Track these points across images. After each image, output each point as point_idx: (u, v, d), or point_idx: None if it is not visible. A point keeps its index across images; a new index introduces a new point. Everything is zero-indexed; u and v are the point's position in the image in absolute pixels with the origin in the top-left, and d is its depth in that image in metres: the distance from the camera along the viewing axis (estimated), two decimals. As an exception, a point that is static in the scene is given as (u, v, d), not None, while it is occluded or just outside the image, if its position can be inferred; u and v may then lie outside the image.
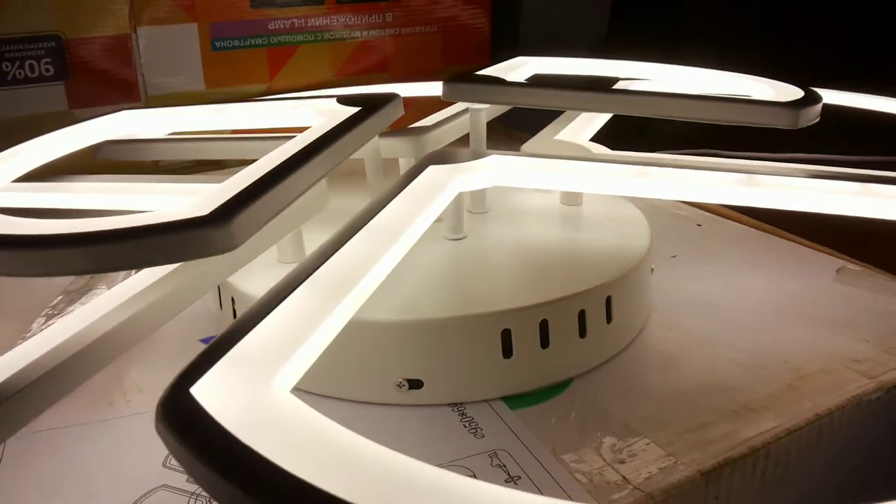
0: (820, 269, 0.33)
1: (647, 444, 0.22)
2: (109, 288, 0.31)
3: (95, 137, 0.31)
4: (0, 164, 0.27)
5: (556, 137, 0.33)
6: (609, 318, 0.26)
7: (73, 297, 0.32)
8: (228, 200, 0.19)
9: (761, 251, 0.35)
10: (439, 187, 0.25)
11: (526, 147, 0.33)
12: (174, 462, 0.22)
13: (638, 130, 0.46)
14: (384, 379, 0.24)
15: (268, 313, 0.17)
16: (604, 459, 0.21)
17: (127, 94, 0.48)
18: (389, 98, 0.28)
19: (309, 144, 0.23)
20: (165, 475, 0.22)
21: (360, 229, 0.22)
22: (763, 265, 0.34)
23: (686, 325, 0.29)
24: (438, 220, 0.26)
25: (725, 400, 0.24)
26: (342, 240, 0.21)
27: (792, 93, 0.30)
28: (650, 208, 0.33)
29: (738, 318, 0.29)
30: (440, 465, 0.21)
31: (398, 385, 0.24)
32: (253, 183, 0.20)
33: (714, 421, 0.23)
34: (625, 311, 0.27)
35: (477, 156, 0.28)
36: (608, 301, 0.26)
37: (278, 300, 0.18)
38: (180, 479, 0.21)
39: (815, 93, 0.29)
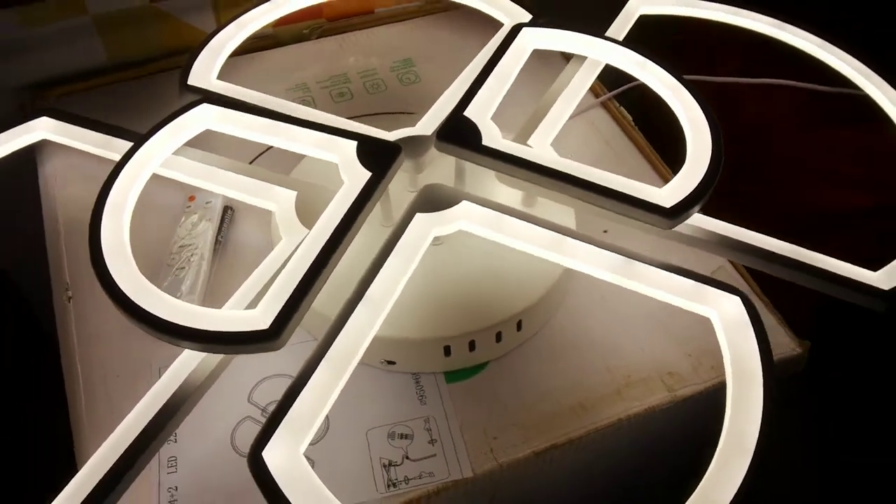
0: (701, 264, 0.45)
1: (513, 427, 0.39)
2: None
3: (194, 132, 0.43)
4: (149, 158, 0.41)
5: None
6: (519, 329, 0.41)
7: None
8: (283, 309, 0.33)
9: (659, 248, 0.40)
10: (421, 240, 0.38)
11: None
12: (256, 397, 0.40)
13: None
14: (374, 358, 0.40)
15: (302, 386, 0.33)
16: (485, 435, 0.38)
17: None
18: (395, 154, 0.40)
19: (335, 231, 0.36)
20: (248, 408, 0.39)
21: (360, 300, 0.36)
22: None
23: (581, 318, 0.43)
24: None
25: (572, 398, 0.40)
26: (347, 312, 0.35)
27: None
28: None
29: (617, 317, 0.43)
30: (393, 425, 0.38)
31: (381, 362, 0.41)
32: (299, 286, 0.34)
33: (559, 414, 0.39)
34: (533, 321, 0.42)
35: (458, 197, 0.40)
36: (519, 322, 0.41)
37: (307, 377, 0.33)
38: (257, 412, 0.39)
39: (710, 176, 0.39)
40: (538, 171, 0.39)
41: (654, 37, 0.57)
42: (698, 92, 0.44)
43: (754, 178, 0.73)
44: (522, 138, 0.44)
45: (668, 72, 0.45)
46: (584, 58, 0.48)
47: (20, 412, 0.62)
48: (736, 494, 0.31)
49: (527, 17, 0.52)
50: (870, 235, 0.48)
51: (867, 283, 0.39)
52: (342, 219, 0.37)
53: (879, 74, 0.51)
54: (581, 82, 0.47)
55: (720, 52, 0.61)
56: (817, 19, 0.56)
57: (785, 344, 0.43)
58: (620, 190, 0.38)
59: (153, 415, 0.35)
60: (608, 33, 0.52)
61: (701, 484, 0.31)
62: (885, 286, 0.39)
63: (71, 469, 0.34)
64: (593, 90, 0.57)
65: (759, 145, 0.71)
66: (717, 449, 0.32)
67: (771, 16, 0.55)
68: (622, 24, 0.54)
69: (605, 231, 0.47)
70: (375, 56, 0.60)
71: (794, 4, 0.57)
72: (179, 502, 0.36)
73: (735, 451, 0.32)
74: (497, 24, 0.51)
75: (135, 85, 0.58)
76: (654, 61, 0.46)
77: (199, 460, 0.38)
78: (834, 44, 0.53)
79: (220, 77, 0.51)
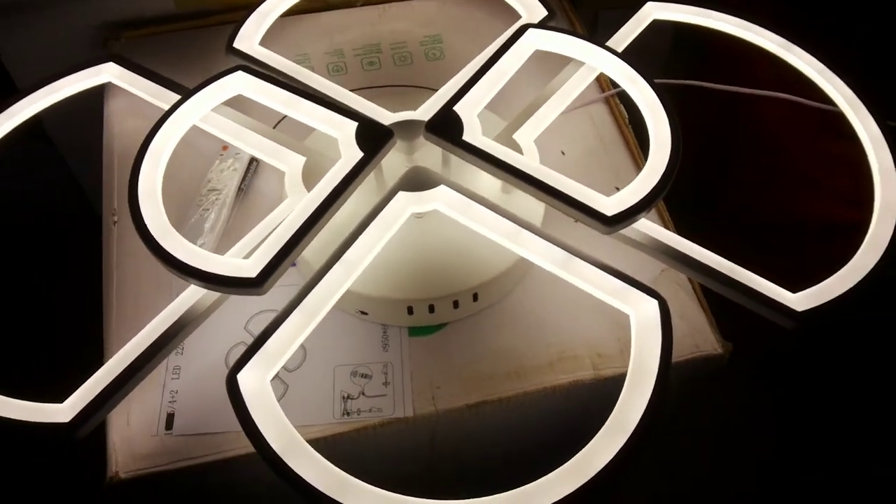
0: (651, 266, 0.51)
1: (456, 381, 0.46)
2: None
3: (229, 94, 0.50)
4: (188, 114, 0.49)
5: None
6: (475, 299, 0.48)
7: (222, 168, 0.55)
8: (269, 263, 0.41)
9: (612, 249, 0.46)
10: (398, 215, 0.45)
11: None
12: (251, 326, 0.49)
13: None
14: (351, 307, 0.48)
15: (278, 326, 0.41)
16: (431, 385, 0.46)
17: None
18: (386, 139, 0.46)
19: (323, 202, 0.43)
20: (243, 335, 0.48)
21: (337, 261, 0.43)
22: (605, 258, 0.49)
23: (534, 297, 0.50)
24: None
25: (510, 364, 0.47)
26: (325, 270, 0.43)
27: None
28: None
29: (565, 300, 0.49)
30: (358, 365, 0.47)
31: (356, 312, 0.48)
32: (285, 245, 0.42)
33: (496, 375, 0.46)
34: (488, 295, 0.48)
35: (437, 181, 0.47)
36: (475, 294, 0.47)
37: (283, 319, 0.41)
38: (249, 339, 0.48)
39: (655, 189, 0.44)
40: (501, 168, 0.45)
41: (687, 34, 0.60)
42: (675, 113, 0.48)
43: (751, 185, 0.77)
44: (510, 132, 0.50)
45: (653, 88, 0.50)
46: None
47: (69, 312, 0.74)
48: (606, 465, 0.37)
49: (542, 13, 0.57)
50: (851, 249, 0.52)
51: (783, 302, 0.44)
52: (329, 193, 0.44)
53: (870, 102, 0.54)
54: (575, 85, 0.52)
55: (749, 58, 0.63)
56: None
57: (710, 343, 0.48)
58: (568, 193, 0.44)
59: (165, 328, 0.44)
60: (619, 34, 0.57)
61: (581, 451, 0.38)
62: (800, 308, 0.44)
63: (99, 362, 0.43)
64: (600, 85, 0.62)
65: (761, 153, 0.74)
66: (604, 425, 0.39)
67: (784, 29, 0.57)
68: (633, 28, 0.58)
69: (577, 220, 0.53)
70: (408, 29, 0.66)
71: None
72: (177, 403, 0.45)
73: (616, 430, 0.38)
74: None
75: (196, 34, 0.65)
76: (644, 76, 0.50)
77: (198, 372, 0.47)
78: (834, 70, 0.56)
79: (271, 34, 0.58)
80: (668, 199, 0.46)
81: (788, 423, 0.87)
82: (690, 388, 0.49)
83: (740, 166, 0.79)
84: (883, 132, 0.52)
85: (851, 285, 0.45)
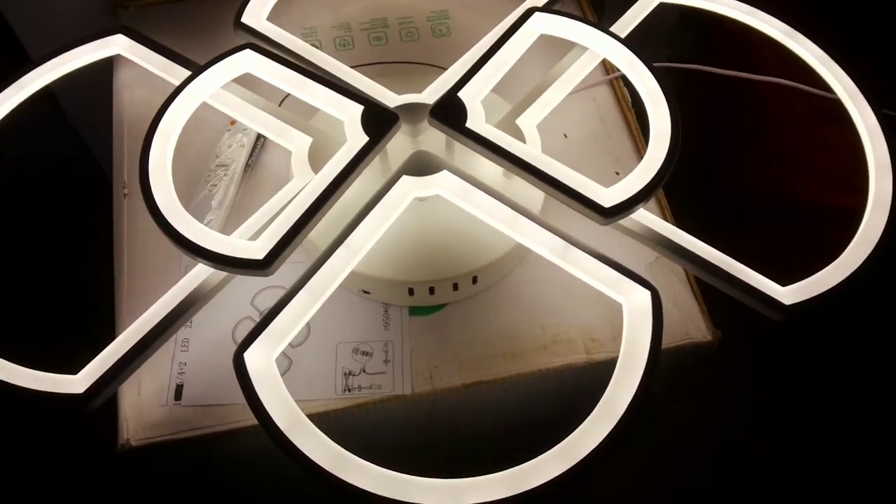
0: (646, 251, 0.52)
1: (453, 360, 0.48)
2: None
3: (237, 72, 0.51)
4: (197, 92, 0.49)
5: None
6: (474, 282, 0.49)
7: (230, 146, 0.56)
8: (276, 245, 0.42)
9: (608, 233, 0.46)
10: (401, 199, 0.46)
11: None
12: (256, 301, 0.50)
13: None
14: (354, 286, 0.50)
15: (284, 306, 0.42)
16: (429, 364, 0.48)
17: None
18: (392, 123, 0.47)
19: (328, 186, 0.44)
20: (249, 310, 0.50)
21: (341, 243, 0.45)
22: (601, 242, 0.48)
23: (532, 281, 0.51)
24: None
25: (506, 345, 0.48)
26: (329, 252, 0.44)
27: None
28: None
29: (561, 284, 0.51)
30: (359, 342, 0.48)
31: (359, 291, 0.50)
32: (291, 228, 0.43)
33: (492, 356, 0.48)
34: (487, 278, 0.50)
35: (440, 166, 0.48)
36: (475, 277, 0.49)
37: (288, 299, 0.43)
38: (255, 314, 0.49)
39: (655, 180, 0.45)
40: (502, 156, 0.46)
41: (693, 14, 0.60)
42: (676, 103, 0.49)
43: (751, 169, 0.77)
44: (513, 117, 0.51)
45: (655, 77, 0.50)
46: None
47: (79, 286, 0.76)
48: (594, 449, 0.39)
49: (548, -6, 0.57)
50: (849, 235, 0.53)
51: (772, 295, 0.46)
52: (335, 177, 0.45)
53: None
54: (578, 70, 0.53)
55: (754, 42, 0.63)
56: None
57: (701, 330, 0.50)
58: (566, 183, 0.45)
59: (175, 304, 0.45)
60: (625, 18, 0.57)
61: (572, 434, 0.40)
62: (789, 301, 0.46)
63: (111, 335, 0.45)
64: (605, 67, 0.62)
65: (763, 138, 0.75)
66: (594, 409, 0.40)
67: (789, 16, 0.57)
68: (638, 12, 0.58)
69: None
70: (415, 3, 0.66)
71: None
72: (186, 374, 0.47)
73: (606, 414, 0.40)
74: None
75: (204, 2, 0.65)
76: (645, 63, 0.51)
77: (206, 345, 0.48)
78: (838, 58, 0.56)
79: (277, 5, 0.59)
80: (667, 182, 0.47)
81: (788, 416, 0.89)
82: (683, 375, 0.51)
83: (741, 150, 0.80)
84: (881, 123, 0.53)
85: (841, 279, 0.47)
